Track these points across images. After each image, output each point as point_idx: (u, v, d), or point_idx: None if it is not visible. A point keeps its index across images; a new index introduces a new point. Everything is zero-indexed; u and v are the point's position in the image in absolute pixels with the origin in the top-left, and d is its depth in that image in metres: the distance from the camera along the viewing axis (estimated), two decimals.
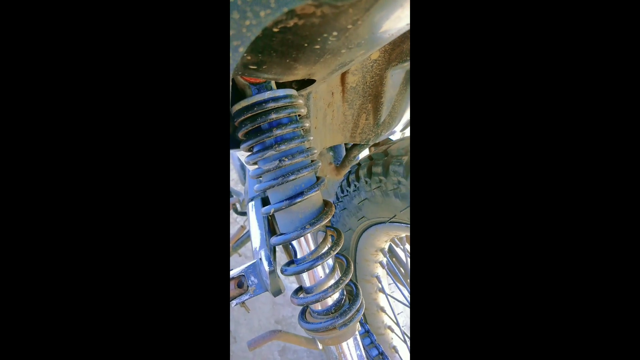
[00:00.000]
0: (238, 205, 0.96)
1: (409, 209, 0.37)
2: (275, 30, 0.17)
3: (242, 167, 1.02)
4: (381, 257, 0.60)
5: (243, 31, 0.13)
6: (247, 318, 1.10)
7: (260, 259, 0.43)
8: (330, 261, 0.36)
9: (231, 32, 0.14)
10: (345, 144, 0.81)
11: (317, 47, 0.20)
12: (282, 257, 0.99)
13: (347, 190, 0.48)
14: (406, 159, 0.36)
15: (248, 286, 0.45)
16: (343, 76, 0.53)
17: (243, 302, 0.45)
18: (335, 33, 0.19)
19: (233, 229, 1.22)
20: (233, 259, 1.17)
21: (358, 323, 0.38)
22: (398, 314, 0.68)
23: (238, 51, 0.14)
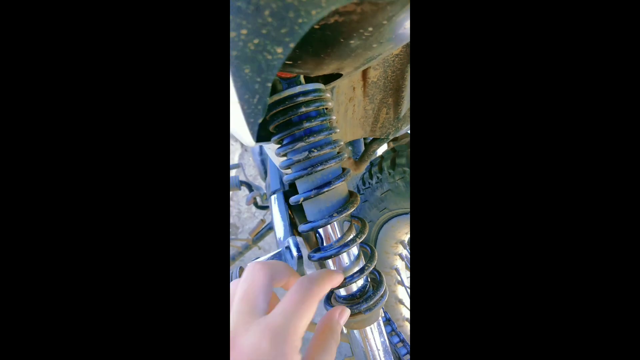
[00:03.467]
0: (258, 199, 0.99)
1: None
2: (316, 27, 0.19)
3: (263, 163, 1.05)
4: (401, 250, 0.61)
5: (295, 28, 0.15)
6: None
7: (287, 247, 0.45)
8: (355, 249, 0.37)
9: (285, 30, 0.15)
10: (364, 139, 0.82)
11: (352, 41, 0.21)
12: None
13: (370, 183, 0.49)
14: None
15: None
16: (365, 71, 0.54)
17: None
18: (370, 29, 0.20)
19: (253, 223, 1.25)
20: (253, 251, 1.20)
21: (381, 309, 0.39)
22: None
23: (289, 47, 0.16)
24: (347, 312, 0.33)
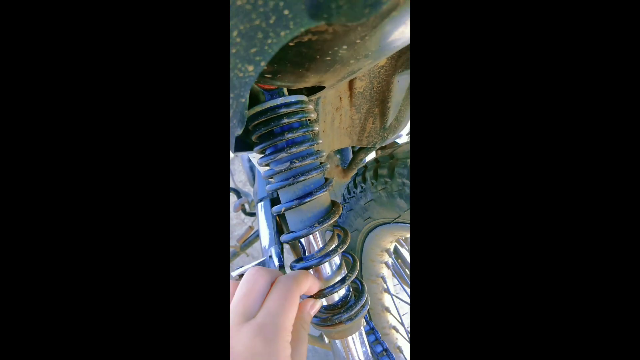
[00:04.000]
0: (247, 206, 0.98)
1: None
2: (291, 44, 0.19)
3: (252, 169, 1.04)
4: (387, 258, 0.62)
5: (265, 48, 0.15)
6: None
7: (270, 256, 0.45)
8: (337, 258, 0.37)
9: (254, 50, 0.16)
10: (352, 147, 0.83)
11: (328, 58, 0.22)
12: (287, 259, 1.00)
13: (354, 192, 0.50)
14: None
15: None
16: (351, 82, 0.55)
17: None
18: (345, 47, 0.20)
19: (241, 230, 1.24)
20: (241, 258, 1.19)
21: (363, 319, 0.39)
22: (403, 314, 0.69)
23: (260, 65, 0.16)
24: (319, 303, 0.34)
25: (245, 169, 1.09)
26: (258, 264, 0.46)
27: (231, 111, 0.19)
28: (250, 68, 0.16)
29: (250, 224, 1.06)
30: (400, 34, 0.21)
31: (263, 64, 0.16)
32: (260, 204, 0.68)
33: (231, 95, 0.18)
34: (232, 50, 0.15)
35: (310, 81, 0.30)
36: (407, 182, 0.38)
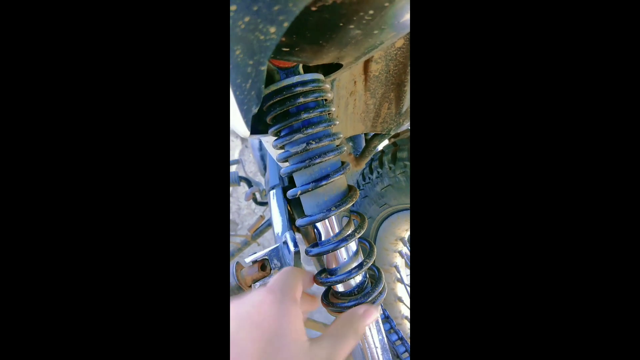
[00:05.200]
0: (258, 195, 0.98)
1: None
2: (314, 9, 0.18)
3: (262, 158, 1.04)
4: (401, 247, 0.61)
5: (289, 6, 0.14)
6: None
7: (284, 242, 0.44)
8: (353, 244, 0.36)
9: (277, 7, 0.14)
10: (365, 135, 0.81)
11: (352, 26, 0.21)
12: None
13: (370, 178, 0.48)
14: None
15: (271, 269, 0.46)
16: (366, 64, 0.53)
17: (265, 284, 0.46)
18: (371, 12, 0.19)
19: (252, 219, 1.25)
20: (252, 247, 1.20)
21: (380, 306, 0.38)
22: None
23: (282, 26, 0.15)
24: (373, 311, 0.33)
25: (255, 158, 1.08)
26: (271, 251, 0.46)
27: (249, 82, 0.18)
28: (273, 30, 0.15)
29: (261, 214, 1.06)
30: None
31: (286, 24, 0.15)
32: (272, 192, 0.67)
33: (249, 62, 0.17)
34: (254, 8, 0.14)
35: (329, 56, 0.29)
36: None
